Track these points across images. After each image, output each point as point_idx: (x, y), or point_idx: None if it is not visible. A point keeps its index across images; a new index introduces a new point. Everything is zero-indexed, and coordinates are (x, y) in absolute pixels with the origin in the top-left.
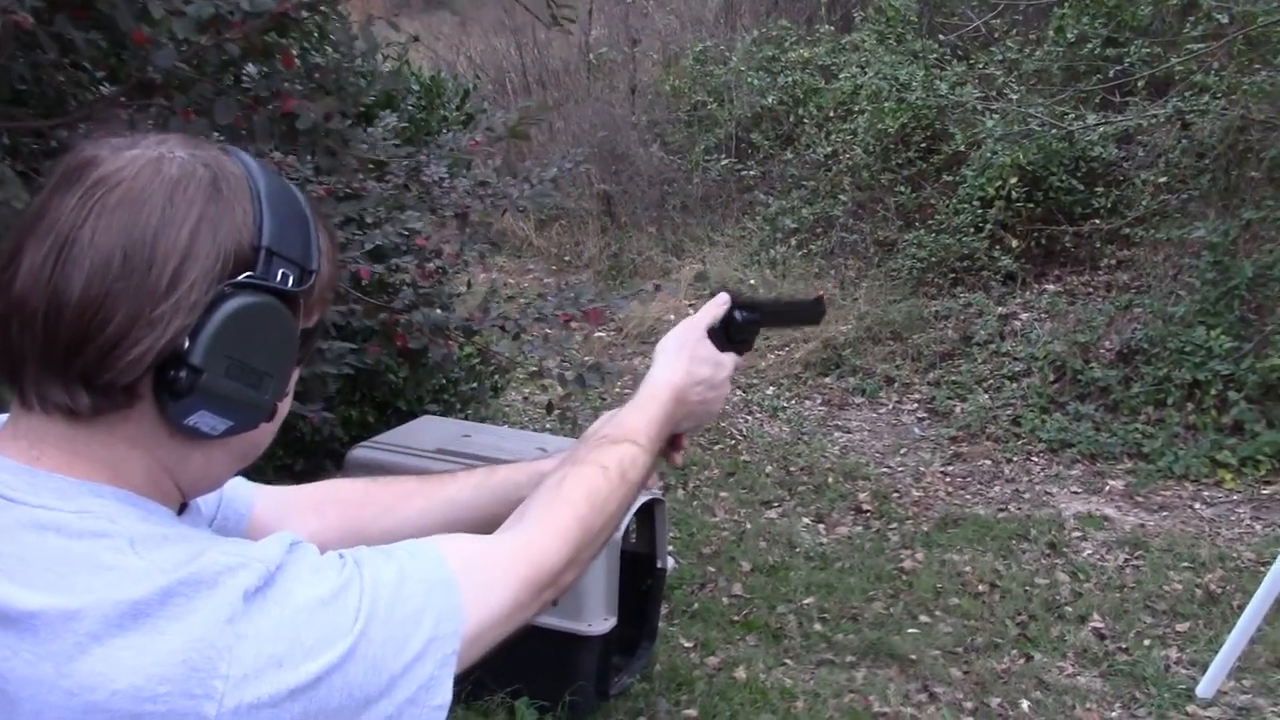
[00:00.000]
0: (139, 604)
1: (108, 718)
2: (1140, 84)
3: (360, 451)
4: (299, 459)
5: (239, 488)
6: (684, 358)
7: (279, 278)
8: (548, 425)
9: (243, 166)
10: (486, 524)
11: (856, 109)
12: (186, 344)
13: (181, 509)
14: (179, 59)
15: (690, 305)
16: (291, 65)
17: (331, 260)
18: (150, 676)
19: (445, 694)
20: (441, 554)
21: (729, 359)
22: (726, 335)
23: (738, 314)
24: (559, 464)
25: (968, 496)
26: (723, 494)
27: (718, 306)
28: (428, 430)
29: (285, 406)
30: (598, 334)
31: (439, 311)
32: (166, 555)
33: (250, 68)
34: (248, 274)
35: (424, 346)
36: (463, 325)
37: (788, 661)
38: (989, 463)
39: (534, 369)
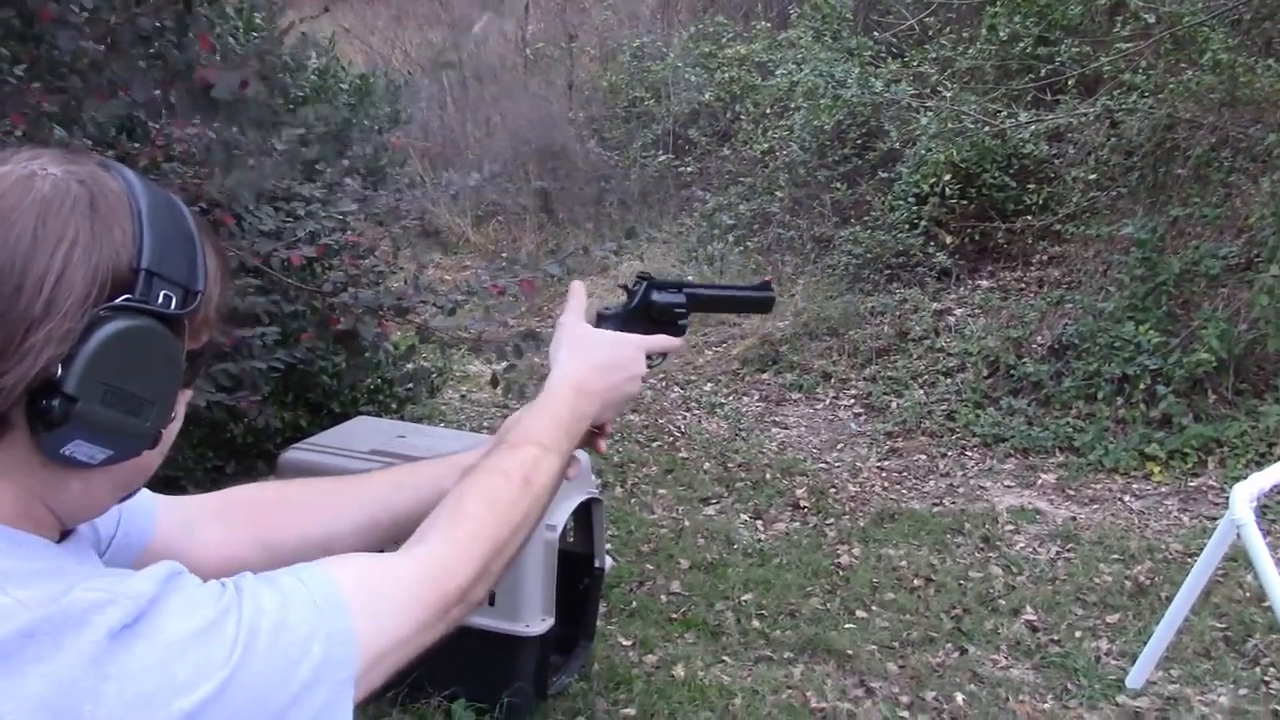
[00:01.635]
0: None
1: None
2: (1070, 82)
3: (293, 453)
4: (230, 461)
5: (140, 500)
6: (577, 351)
7: (160, 300)
8: (485, 424)
9: (123, 183)
10: (408, 523)
11: (793, 105)
12: (59, 372)
13: (65, 534)
14: (91, 38)
15: None
16: (207, 47)
17: (221, 280)
18: None
19: None
20: (332, 577)
21: (632, 338)
22: (647, 316)
23: (656, 295)
24: (462, 473)
25: (903, 491)
26: (661, 491)
27: (578, 295)
28: (362, 431)
29: (172, 431)
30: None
31: (370, 292)
32: (33, 592)
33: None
34: (125, 297)
35: (355, 327)
36: (395, 304)
37: (726, 659)
38: (924, 458)
39: (472, 343)
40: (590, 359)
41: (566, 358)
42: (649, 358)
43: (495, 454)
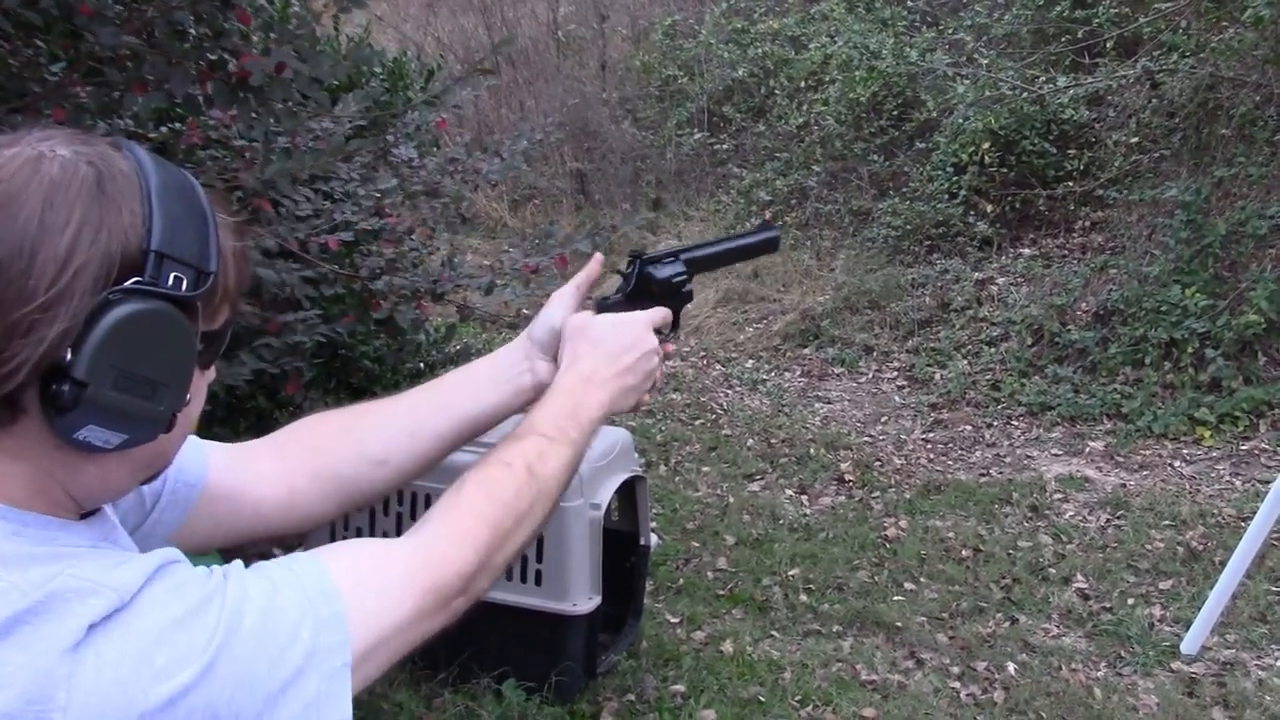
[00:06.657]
0: None
1: None
2: (1109, 45)
3: None
4: None
5: (188, 455)
6: (580, 345)
7: (170, 282)
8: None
9: (134, 163)
10: (471, 429)
11: (827, 79)
12: (69, 356)
13: (91, 511)
14: (129, 32)
15: None
16: (247, 21)
17: (238, 258)
18: None
19: (341, 710)
20: (323, 565)
21: (633, 317)
22: (649, 294)
23: (652, 269)
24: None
25: (949, 463)
26: (705, 469)
27: (592, 266)
28: None
29: (190, 414)
30: None
31: (407, 276)
32: (28, 575)
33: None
34: (135, 279)
35: (393, 312)
36: (430, 288)
37: (774, 633)
38: (970, 428)
39: (511, 320)
40: (595, 350)
41: (570, 355)
42: (658, 331)
43: (499, 447)
